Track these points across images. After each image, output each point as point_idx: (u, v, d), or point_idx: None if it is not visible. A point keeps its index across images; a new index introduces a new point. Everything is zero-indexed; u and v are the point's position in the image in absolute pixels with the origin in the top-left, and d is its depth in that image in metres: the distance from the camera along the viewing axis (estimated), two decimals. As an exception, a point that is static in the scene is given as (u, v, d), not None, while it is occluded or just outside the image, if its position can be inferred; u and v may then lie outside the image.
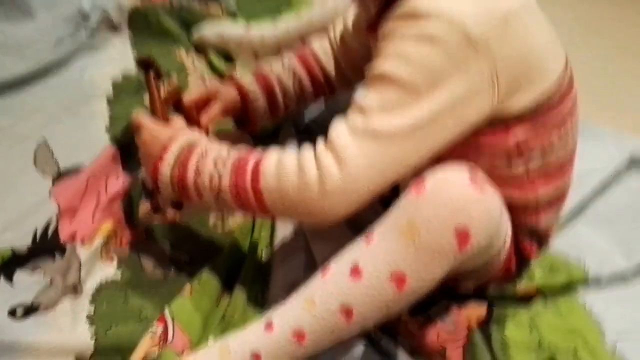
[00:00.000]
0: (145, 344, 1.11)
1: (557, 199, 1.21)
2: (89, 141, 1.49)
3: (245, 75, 1.45)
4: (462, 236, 0.95)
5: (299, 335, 1.00)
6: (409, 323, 1.20)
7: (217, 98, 1.38)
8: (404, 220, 0.96)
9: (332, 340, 1.03)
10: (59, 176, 1.40)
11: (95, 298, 1.20)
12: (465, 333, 1.22)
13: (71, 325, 1.15)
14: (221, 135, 1.23)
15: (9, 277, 1.21)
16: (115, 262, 1.27)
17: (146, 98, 1.44)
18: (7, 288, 1.19)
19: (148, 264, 1.28)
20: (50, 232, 1.29)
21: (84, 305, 1.19)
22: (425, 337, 1.21)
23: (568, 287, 1.37)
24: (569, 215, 1.51)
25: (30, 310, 1.16)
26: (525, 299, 1.32)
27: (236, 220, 1.39)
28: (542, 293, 1.34)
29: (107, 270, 1.26)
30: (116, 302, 1.20)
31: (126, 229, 1.33)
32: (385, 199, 1.05)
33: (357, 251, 1.00)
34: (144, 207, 1.37)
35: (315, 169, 0.99)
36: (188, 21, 1.84)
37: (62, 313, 1.17)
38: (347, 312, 0.99)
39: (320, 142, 1.02)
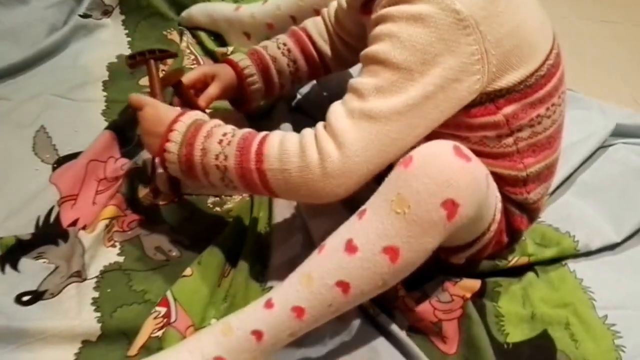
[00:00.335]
0: (150, 326, 1.13)
1: (546, 173, 1.24)
2: (86, 126, 1.49)
3: (238, 55, 1.46)
4: (451, 206, 0.96)
5: (299, 311, 1.02)
6: (406, 298, 1.23)
7: (215, 79, 1.40)
8: (394, 194, 0.98)
9: (330, 314, 1.05)
10: (59, 162, 1.41)
11: (99, 283, 1.21)
12: (460, 307, 1.25)
13: (77, 310, 1.16)
14: (216, 115, 1.24)
15: (14, 265, 1.21)
16: (117, 247, 1.28)
17: (143, 81, 1.46)
18: (13, 275, 1.20)
19: (150, 247, 1.29)
20: (52, 218, 1.30)
21: (88, 290, 1.19)
22: (421, 312, 1.23)
23: (558, 258, 1.40)
24: (557, 186, 1.54)
25: (36, 296, 1.17)
26: (517, 271, 1.35)
27: (234, 200, 1.41)
28: (533, 264, 1.37)
29: (110, 255, 1.26)
30: (120, 286, 1.21)
31: (127, 213, 1.33)
32: (378, 176, 1.07)
33: (351, 227, 1.03)
34: (143, 190, 1.37)
35: (316, 152, 1.02)
36: (179, 3, 1.83)
37: (68, 298, 1.17)
38: (344, 286, 1.01)
39: (319, 125, 1.06)
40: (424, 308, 1.24)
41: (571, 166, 1.61)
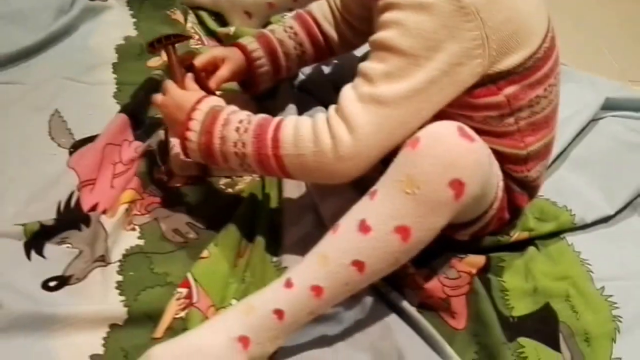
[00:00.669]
0: (173, 307, 1.17)
1: (544, 150, 1.29)
2: (99, 109, 1.51)
3: (247, 39, 1.49)
4: (457, 186, 1.01)
5: (317, 290, 1.06)
6: (416, 276, 1.27)
7: (225, 62, 1.43)
8: (403, 175, 1.03)
9: (347, 292, 1.09)
10: (75, 146, 1.42)
11: (122, 266, 1.23)
12: (468, 283, 1.30)
13: (103, 294, 1.18)
14: (225, 97, 1.27)
15: (39, 251, 1.22)
16: (137, 230, 1.30)
17: (151, 62, 1.48)
18: (39, 261, 1.21)
19: (168, 230, 1.32)
20: (72, 203, 1.31)
21: (112, 274, 1.21)
22: (430, 289, 1.28)
23: (557, 232, 1.45)
24: (552, 161, 1.58)
25: (63, 281, 1.19)
26: (519, 246, 1.39)
27: (245, 180, 1.44)
28: (534, 239, 1.41)
29: (131, 239, 1.28)
30: (142, 269, 1.24)
31: (144, 196, 1.35)
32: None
33: (363, 208, 1.07)
34: (157, 172, 1.40)
35: (329, 137, 1.08)
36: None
37: (94, 283, 1.20)
38: (360, 265, 1.05)
39: (331, 109, 1.11)
40: (433, 285, 1.29)
41: (565, 141, 1.65)
